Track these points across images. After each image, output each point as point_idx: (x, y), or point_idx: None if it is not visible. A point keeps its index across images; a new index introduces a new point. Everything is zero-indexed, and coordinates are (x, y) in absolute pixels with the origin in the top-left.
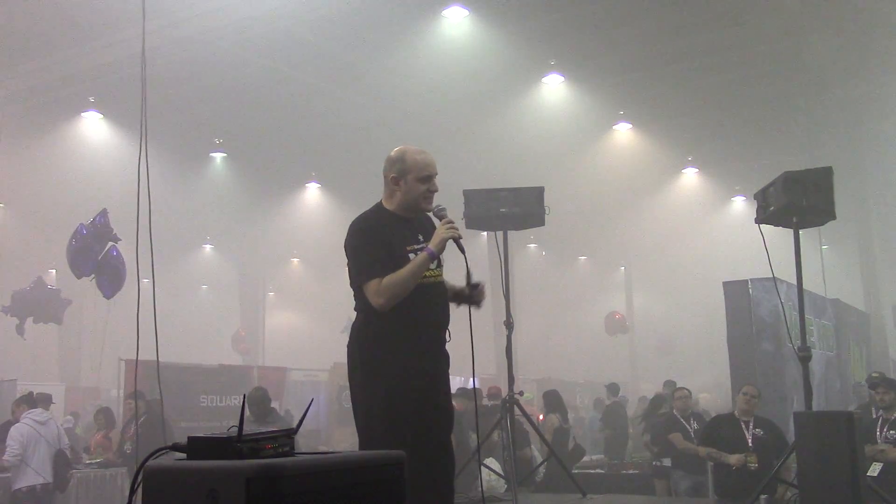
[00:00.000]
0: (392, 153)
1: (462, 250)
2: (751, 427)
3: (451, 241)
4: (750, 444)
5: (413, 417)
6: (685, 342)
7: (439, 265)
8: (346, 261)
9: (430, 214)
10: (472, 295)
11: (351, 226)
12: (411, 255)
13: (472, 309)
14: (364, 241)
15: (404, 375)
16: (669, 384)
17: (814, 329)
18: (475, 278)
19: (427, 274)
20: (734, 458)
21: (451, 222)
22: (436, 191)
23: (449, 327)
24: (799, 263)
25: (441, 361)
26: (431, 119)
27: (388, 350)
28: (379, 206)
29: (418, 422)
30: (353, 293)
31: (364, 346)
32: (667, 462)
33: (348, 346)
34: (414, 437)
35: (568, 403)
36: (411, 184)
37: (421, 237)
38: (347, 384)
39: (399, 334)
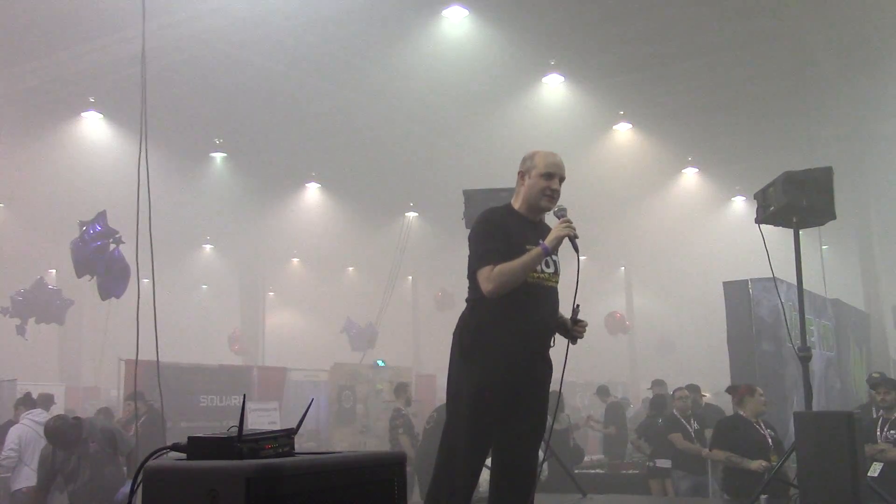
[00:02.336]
0: (527, 153)
1: (576, 249)
2: (764, 428)
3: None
4: (770, 445)
5: (499, 408)
6: (685, 342)
7: (556, 272)
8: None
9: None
10: (572, 329)
11: (477, 217)
12: (528, 250)
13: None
14: (483, 231)
15: (498, 365)
16: (658, 383)
17: (814, 329)
18: (581, 316)
19: (541, 276)
20: (755, 464)
21: (568, 221)
22: (557, 190)
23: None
24: (799, 263)
25: (540, 364)
26: (431, 119)
27: (487, 338)
28: (508, 205)
29: (503, 414)
30: (467, 284)
31: (466, 331)
32: (662, 462)
33: (454, 333)
34: (494, 431)
35: (568, 403)
36: (534, 179)
37: (541, 241)
38: (347, 384)
39: (500, 325)
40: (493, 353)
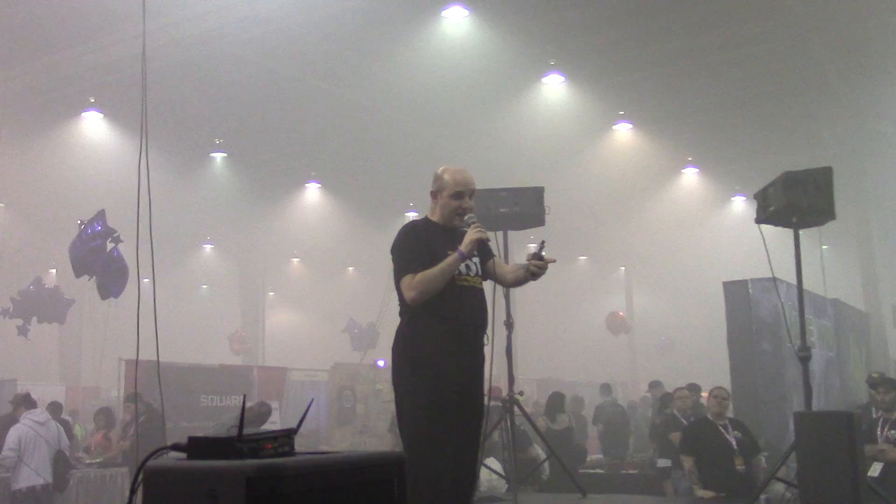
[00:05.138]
0: (437, 170)
1: (489, 251)
2: (730, 431)
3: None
4: (735, 448)
5: (456, 413)
6: (685, 342)
7: (477, 274)
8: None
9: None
10: (534, 264)
11: (399, 230)
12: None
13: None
14: (405, 242)
15: (449, 372)
16: (655, 385)
17: (814, 329)
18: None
19: (465, 278)
20: (701, 492)
21: (479, 226)
22: (468, 207)
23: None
24: (799, 263)
25: (479, 362)
26: (431, 119)
27: (434, 347)
28: (425, 218)
29: (459, 418)
30: (397, 298)
31: (410, 344)
32: (662, 462)
33: (393, 347)
34: (453, 432)
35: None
36: (445, 199)
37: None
38: (347, 384)
39: (443, 332)
40: (444, 360)
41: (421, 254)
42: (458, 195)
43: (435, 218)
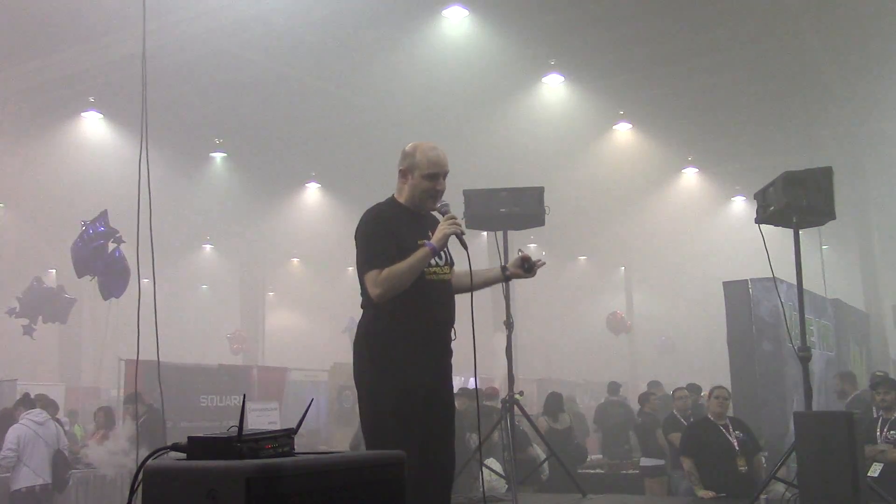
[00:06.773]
0: (407, 147)
1: (465, 246)
2: (732, 431)
3: (454, 237)
4: (737, 448)
5: (422, 413)
6: (685, 342)
7: (448, 263)
8: (356, 251)
9: (436, 213)
10: (524, 257)
11: (364, 215)
12: (420, 245)
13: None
14: (373, 231)
15: (414, 371)
16: (654, 384)
17: (814, 329)
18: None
19: (435, 271)
20: (702, 493)
21: (453, 218)
22: (441, 190)
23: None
24: (799, 263)
25: (447, 358)
26: (431, 119)
27: (398, 346)
28: (392, 199)
29: (426, 418)
30: (360, 289)
31: (373, 341)
32: (646, 461)
33: (355, 343)
34: (421, 433)
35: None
36: (417, 180)
37: (430, 234)
38: (347, 384)
39: (408, 330)
40: (408, 359)
41: (388, 245)
42: (432, 177)
43: (402, 199)
